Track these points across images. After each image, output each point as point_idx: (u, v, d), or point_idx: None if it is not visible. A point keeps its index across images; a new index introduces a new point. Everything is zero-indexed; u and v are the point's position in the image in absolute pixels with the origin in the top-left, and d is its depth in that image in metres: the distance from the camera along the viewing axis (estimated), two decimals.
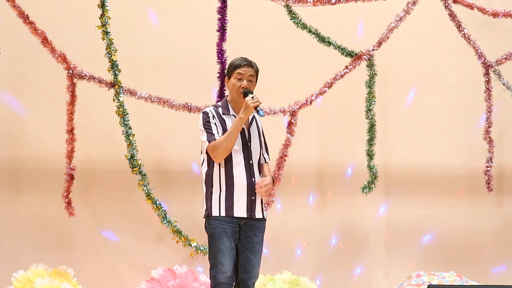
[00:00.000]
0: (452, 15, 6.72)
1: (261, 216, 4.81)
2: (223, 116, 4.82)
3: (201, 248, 6.24)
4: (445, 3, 6.70)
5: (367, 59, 6.55)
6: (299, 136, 6.59)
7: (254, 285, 4.82)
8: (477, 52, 6.77)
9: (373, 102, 6.56)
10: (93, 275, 6.45)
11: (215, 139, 4.71)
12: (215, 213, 4.72)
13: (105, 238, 6.56)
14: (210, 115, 4.80)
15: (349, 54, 6.52)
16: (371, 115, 6.56)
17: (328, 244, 6.94)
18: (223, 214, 4.72)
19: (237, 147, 4.75)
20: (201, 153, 4.82)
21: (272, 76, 6.45)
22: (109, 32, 6.06)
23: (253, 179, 4.77)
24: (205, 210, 4.79)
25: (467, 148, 7.07)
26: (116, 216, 6.57)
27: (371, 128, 6.56)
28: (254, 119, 4.90)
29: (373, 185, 6.57)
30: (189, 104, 6.22)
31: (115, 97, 6.13)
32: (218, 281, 4.68)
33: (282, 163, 6.41)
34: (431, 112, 7.08)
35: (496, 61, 6.79)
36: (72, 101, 6.10)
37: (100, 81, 6.16)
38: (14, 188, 6.47)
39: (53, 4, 6.50)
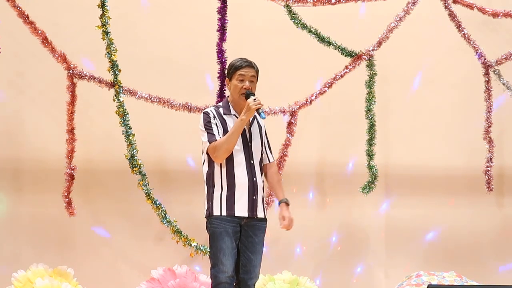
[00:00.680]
0: (452, 15, 6.72)
1: (262, 216, 4.82)
2: (224, 116, 4.82)
3: (201, 248, 6.24)
4: (445, 3, 6.70)
5: (367, 59, 6.56)
6: (299, 136, 6.59)
7: (254, 285, 4.82)
8: (477, 52, 6.77)
9: (373, 102, 6.56)
10: (93, 275, 6.45)
11: (216, 140, 4.71)
12: (216, 212, 4.73)
13: (105, 238, 6.56)
14: (211, 115, 4.80)
15: (349, 54, 6.52)
16: (371, 115, 6.56)
17: (328, 244, 6.94)
18: (224, 213, 4.72)
19: (238, 147, 4.75)
20: (202, 153, 4.82)
21: (272, 76, 6.46)
22: (109, 32, 6.06)
23: (255, 179, 4.77)
24: (207, 210, 4.79)
25: (467, 148, 7.07)
26: (116, 216, 6.57)
27: (371, 128, 6.56)
28: (255, 119, 4.90)
29: (373, 185, 6.58)
30: (189, 104, 6.22)
31: (115, 97, 6.13)
32: (219, 281, 4.68)
33: (282, 163, 6.41)
34: (431, 112, 7.08)
35: (496, 61, 6.79)
36: (72, 101, 6.10)
37: (100, 81, 6.16)
38: (14, 188, 6.47)
39: (53, 4, 6.50)
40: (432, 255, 7.02)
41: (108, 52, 6.08)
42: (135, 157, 6.12)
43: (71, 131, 6.12)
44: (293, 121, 6.46)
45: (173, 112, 6.27)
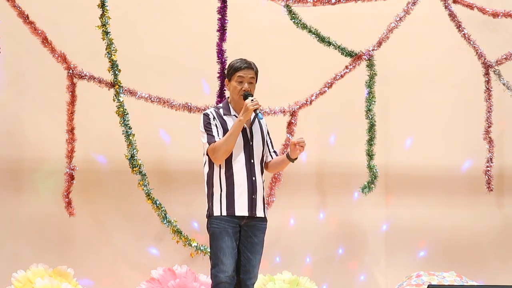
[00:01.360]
0: (452, 15, 6.72)
1: (262, 215, 4.82)
2: (224, 117, 4.83)
3: (201, 248, 6.24)
4: (445, 3, 6.71)
5: (367, 59, 6.56)
6: (299, 136, 6.58)
7: (253, 285, 4.83)
8: (477, 52, 6.78)
9: (373, 102, 6.56)
10: (93, 275, 6.45)
11: (215, 141, 4.72)
12: (216, 213, 4.74)
13: (105, 238, 6.56)
14: (211, 116, 4.81)
15: (349, 54, 6.52)
16: (371, 115, 6.56)
17: (328, 244, 6.94)
18: (224, 213, 4.73)
19: (238, 146, 4.76)
20: (203, 154, 4.83)
21: (272, 76, 6.46)
22: (109, 32, 6.06)
23: (254, 178, 4.77)
24: (207, 211, 4.81)
25: (467, 148, 7.07)
26: (116, 216, 6.57)
27: (371, 128, 6.56)
28: (257, 119, 4.91)
29: (373, 185, 6.58)
30: (189, 104, 6.23)
31: (115, 97, 6.13)
32: (219, 280, 4.68)
33: None
34: (431, 112, 7.08)
35: (496, 61, 6.80)
36: (72, 101, 6.10)
37: (100, 81, 6.16)
38: (14, 188, 6.47)
39: (53, 4, 6.50)
40: (432, 255, 7.02)
41: (108, 52, 6.08)
42: (135, 157, 6.12)
43: (71, 131, 6.11)
44: (293, 121, 6.46)
45: (173, 112, 6.27)
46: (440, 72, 7.11)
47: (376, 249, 6.99)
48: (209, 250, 5.97)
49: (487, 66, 6.80)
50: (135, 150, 6.12)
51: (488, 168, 6.83)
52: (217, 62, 6.25)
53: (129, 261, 6.60)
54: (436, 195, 7.03)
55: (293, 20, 6.39)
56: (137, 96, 6.20)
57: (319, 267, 6.90)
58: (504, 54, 6.81)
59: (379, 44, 6.59)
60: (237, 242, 4.76)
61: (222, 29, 6.26)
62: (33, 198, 6.46)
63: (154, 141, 6.62)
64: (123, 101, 6.13)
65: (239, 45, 6.27)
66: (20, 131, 6.50)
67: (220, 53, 6.25)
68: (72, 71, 6.10)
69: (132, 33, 6.58)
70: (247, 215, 4.75)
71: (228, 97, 4.92)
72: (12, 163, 6.48)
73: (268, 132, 4.97)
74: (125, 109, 6.12)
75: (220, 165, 4.76)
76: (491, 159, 6.83)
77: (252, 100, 4.70)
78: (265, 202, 4.92)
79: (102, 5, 6.05)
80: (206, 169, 4.82)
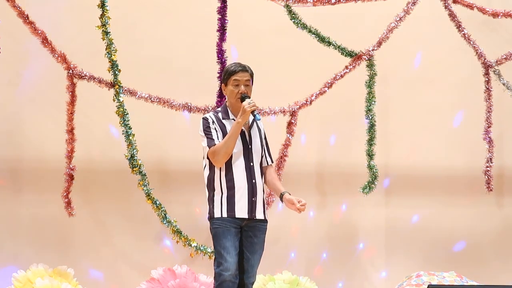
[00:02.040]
0: (452, 15, 6.72)
1: (262, 217, 4.84)
2: (223, 121, 4.85)
3: (201, 248, 6.24)
4: (445, 3, 6.70)
5: (367, 59, 6.56)
6: (299, 136, 6.59)
7: (252, 284, 4.84)
8: (477, 52, 6.77)
9: (373, 102, 6.56)
10: (93, 275, 6.45)
11: (215, 144, 4.74)
12: (217, 215, 4.77)
13: (105, 238, 6.56)
14: (210, 120, 4.84)
15: (349, 54, 6.52)
16: (371, 115, 6.56)
17: (328, 244, 6.94)
18: (225, 215, 4.75)
19: (238, 149, 4.79)
20: (203, 158, 4.85)
21: (272, 76, 6.46)
22: (109, 32, 6.06)
23: (254, 181, 4.79)
24: (208, 213, 4.84)
25: (467, 148, 7.07)
26: (116, 216, 6.57)
27: (371, 128, 6.56)
28: (255, 122, 4.92)
29: (373, 185, 6.58)
30: (189, 104, 6.23)
31: (115, 97, 6.13)
32: (223, 279, 4.69)
33: (282, 163, 6.41)
34: (431, 112, 7.08)
35: (496, 61, 6.80)
36: (72, 101, 6.11)
37: (100, 81, 6.16)
38: (14, 188, 6.47)
39: (53, 4, 6.50)
40: (432, 255, 7.02)
41: (108, 52, 6.08)
42: (135, 157, 6.12)
43: (71, 131, 6.12)
44: (293, 121, 6.46)
45: (173, 112, 6.27)
46: (440, 72, 7.10)
47: (376, 249, 6.99)
48: (209, 250, 5.98)
49: (487, 66, 6.80)
50: (135, 150, 6.12)
51: (488, 168, 6.83)
52: (217, 62, 6.25)
53: (129, 261, 6.60)
54: (436, 195, 7.03)
55: (293, 20, 6.39)
56: (137, 96, 6.21)
57: (319, 266, 6.89)
58: (504, 54, 6.80)
59: (379, 44, 6.59)
60: (238, 242, 4.78)
61: (222, 29, 6.26)
62: (33, 198, 6.46)
63: (154, 141, 6.61)
64: (123, 101, 6.13)
65: (239, 45, 6.27)
66: (20, 131, 6.50)
67: (220, 53, 6.25)
68: (72, 71, 6.10)
69: (132, 33, 6.59)
70: (247, 217, 4.77)
71: (226, 102, 4.93)
72: (12, 163, 6.49)
73: (265, 136, 4.99)
74: (125, 109, 6.12)
75: (220, 168, 4.78)
76: (491, 159, 6.83)
77: (249, 102, 4.73)
78: (265, 203, 4.94)
79: (102, 5, 6.05)
80: (207, 172, 4.85)
